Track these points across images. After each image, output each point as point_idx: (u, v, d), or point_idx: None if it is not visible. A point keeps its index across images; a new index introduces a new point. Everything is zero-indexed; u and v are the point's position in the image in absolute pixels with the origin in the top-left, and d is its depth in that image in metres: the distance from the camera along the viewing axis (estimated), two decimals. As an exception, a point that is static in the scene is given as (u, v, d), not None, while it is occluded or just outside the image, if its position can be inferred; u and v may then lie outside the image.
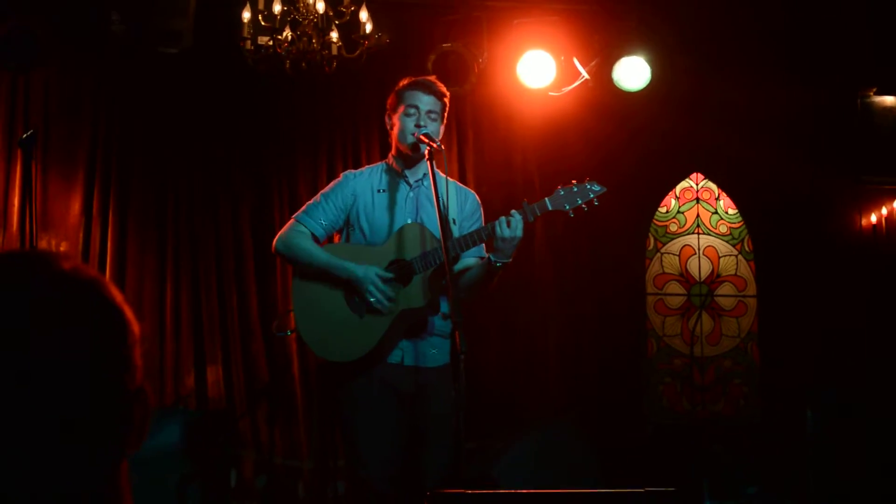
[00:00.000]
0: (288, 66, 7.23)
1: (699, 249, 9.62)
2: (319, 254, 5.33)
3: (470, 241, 5.15)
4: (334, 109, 8.77)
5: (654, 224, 9.60)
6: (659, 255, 9.60)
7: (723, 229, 9.63)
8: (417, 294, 5.17)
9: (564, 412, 8.56)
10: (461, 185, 5.82)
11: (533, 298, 8.91)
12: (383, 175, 5.49)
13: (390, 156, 5.54)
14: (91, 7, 7.93)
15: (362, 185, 5.46)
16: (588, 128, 8.79)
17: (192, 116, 8.52)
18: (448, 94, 5.51)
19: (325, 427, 8.13)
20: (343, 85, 8.38)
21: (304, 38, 7.10)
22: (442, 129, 5.42)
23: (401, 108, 5.38)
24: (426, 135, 5.17)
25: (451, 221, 5.30)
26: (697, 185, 9.69)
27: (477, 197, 5.64)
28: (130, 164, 8.43)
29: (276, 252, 5.53)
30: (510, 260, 5.12)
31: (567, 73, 8.44)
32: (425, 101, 5.36)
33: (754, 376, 9.48)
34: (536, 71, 8.37)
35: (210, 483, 7.52)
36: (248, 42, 7.13)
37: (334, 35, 7.15)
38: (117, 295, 1.55)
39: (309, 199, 5.64)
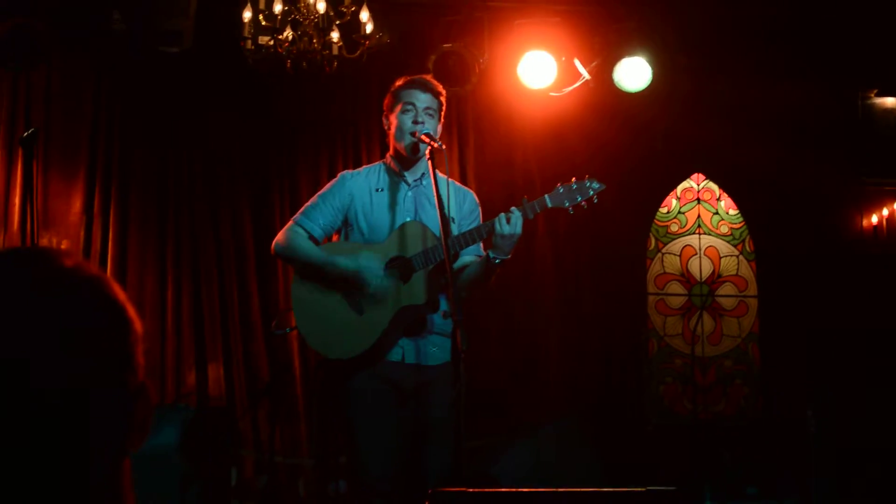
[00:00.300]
0: (289, 65, 7.23)
1: (700, 250, 9.62)
2: (316, 253, 5.32)
3: (469, 238, 5.15)
4: (335, 109, 8.78)
5: (655, 224, 9.60)
6: (660, 255, 9.60)
7: (724, 230, 9.64)
8: (418, 291, 5.17)
9: (565, 412, 8.56)
10: (459, 184, 5.82)
11: (534, 298, 8.92)
12: (382, 175, 5.48)
13: (388, 156, 5.53)
14: (92, 6, 7.93)
15: (360, 185, 5.45)
16: (589, 128, 8.80)
17: (193, 116, 8.53)
18: (444, 92, 5.50)
19: (325, 425, 8.12)
20: (344, 85, 8.39)
21: (305, 38, 7.10)
22: (440, 127, 5.41)
23: (398, 107, 5.37)
24: (427, 134, 5.16)
25: (451, 220, 5.30)
26: (698, 185, 9.69)
27: (475, 196, 5.64)
28: (131, 163, 8.44)
29: (274, 254, 5.53)
30: (509, 257, 5.13)
31: (568, 74, 8.44)
32: (422, 99, 5.35)
33: (755, 376, 9.48)
34: (537, 71, 8.37)
35: (211, 482, 7.53)
36: (249, 42, 7.14)
37: (335, 35, 7.16)
38: (119, 292, 1.55)
39: (308, 200, 5.64)
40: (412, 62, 7.89)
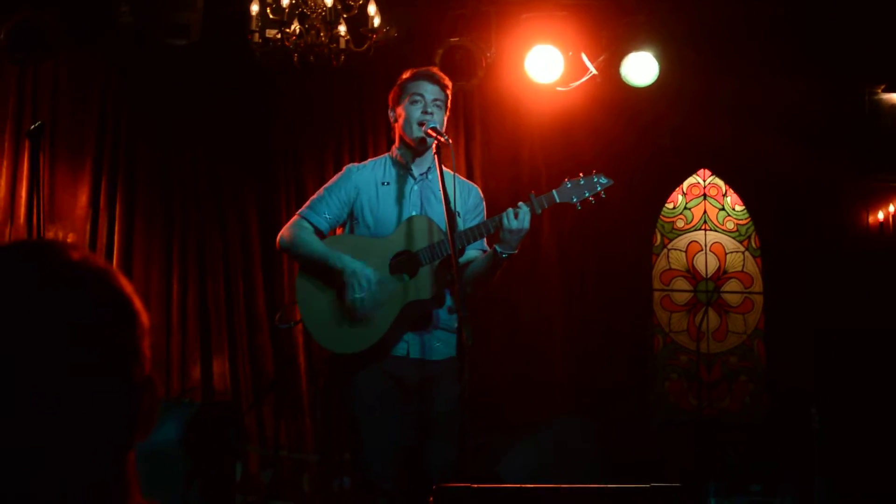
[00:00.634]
0: (296, 59, 7.23)
1: (706, 246, 9.61)
2: (319, 247, 5.31)
3: (476, 233, 5.15)
4: (341, 102, 8.78)
5: (661, 220, 9.59)
6: (666, 251, 9.59)
7: (730, 226, 9.62)
8: (424, 286, 5.16)
9: (569, 408, 8.56)
10: (465, 179, 5.81)
11: (539, 294, 8.92)
12: (388, 168, 5.48)
13: (394, 149, 5.52)
14: (100, -1, 7.95)
15: (366, 178, 5.44)
16: (595, 123, 8.79)
17: (200, 109, 8.53)
18: (451, 84, 5.50)
19: (330, 420, 8.13)
20: (351, 78, 8.38)
21: (313, 32, 7.10)
22: (446, 119, 5.40)
23: (405, 99, 5.36)
24: (434, 128, 5.16)
25: (457, 215, 5.29)
26: (705, 181, 9.68)
27: (480, 191, 5.63)
28: (137, 156, 8.45)
29: (279, 248, 5.52)
30: (516, 251, 5.12)
31: (575, 69, 8.43)
32: (430, 90, 5.35)
33: (760, 373, 9.48)
34: (544, 66, 8.37)
35: (215, 476, 7.53)
36: (256, 35, 7.13)
37: (342, 29, 7.15)
38: (126, 285, 1.55)
39: (314, 193, 5.63)
40: (419, 56, 7.88)
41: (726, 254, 9.61)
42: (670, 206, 9.63)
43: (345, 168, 5.59)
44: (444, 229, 4.99)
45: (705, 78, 8.74)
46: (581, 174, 5.25)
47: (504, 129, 8.98)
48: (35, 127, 5.98)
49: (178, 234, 8.44)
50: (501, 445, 7.77)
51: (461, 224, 5.30)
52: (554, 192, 5.22)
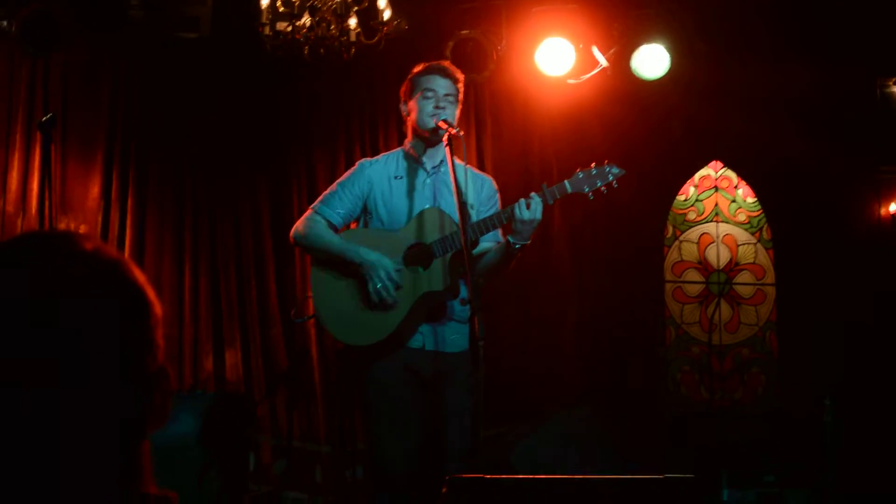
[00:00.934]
0: (306, 52, 7.23)
1: (718, 237, 9.60)
2: (334, 240, 5.34)
3: (489, 224, 5.16)
4: (352, 95, 8.78)
5: (673, 212, 9.58)
6: (678, 242, 9.58)
7: (741, 218, 9.61)
8: (438, 277, 5.18)
9: (582, 400, 8.56)
10: (478, 171, 5.82)
11: (551, 286, 8.91)
12: (400, 162, 5.49)
13: (406, 142, 5.54)
14: (111, -8, 7.96)
15: (378, 172, 5.46)
16: (606, 116, 8.78)
17: (210, 101, 8.54)
18: (462, 77, 5.51)
19: (343, 411, 8.14)
20: (361, 71, 8.38)
21: (323, 24, 7.09)
22: (458, 112, 5.42)
23: (418, 93, 5.38)
24: (445, 120, 5.18)
25: (469, 207, 5.30)
26: (716, 173, 9.67)
27: (494, 182, 5.64)
28: (149, 149, 8.47)
29: (293, 242, 5.54)
30: (529, 242, 5.13)
31: (586, 61, 8.42)
32: (442, 85, 5.37)
33: (773, 365, 9.46)
34: (555, 58, 8.35)
35: (229, 467, 7.55)
36: (267, 28, 7.13)
37: (353, 21, 7.15)
38: (139, 275, 1.56)
39: (326, 188, 5.65)
40: (430, 49, 7.88)
41: (738, 245, 9.60)
42: (682, 197, 9.61)
43: (357, 163, 5.61)
44: (456, 221, 4.99)
45: (716, 70, 8.72)
46: (593, 164, 5.25)
47: (515, 122, 8.98)
48: (46, 119, 6.00)
49: (190, 226, 8.46)
50: (515, 436, 7.77)
51: (475, 215, 5.30)
52: (566, 182, 5.22)
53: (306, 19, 7.07)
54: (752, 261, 9.58)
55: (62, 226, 7.94)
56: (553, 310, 8.93)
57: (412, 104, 5.41)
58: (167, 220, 8.43)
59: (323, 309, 5.36)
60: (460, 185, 4.93)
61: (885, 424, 8.41)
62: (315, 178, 8.57)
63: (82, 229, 8.12)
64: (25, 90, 8.24)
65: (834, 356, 8.69)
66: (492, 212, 5.36)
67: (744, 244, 9.59)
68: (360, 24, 7.21)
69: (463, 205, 4.91)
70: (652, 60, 8.39)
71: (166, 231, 8.42)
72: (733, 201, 9.63)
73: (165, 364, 1.57)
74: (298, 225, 5.47)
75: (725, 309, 9.49)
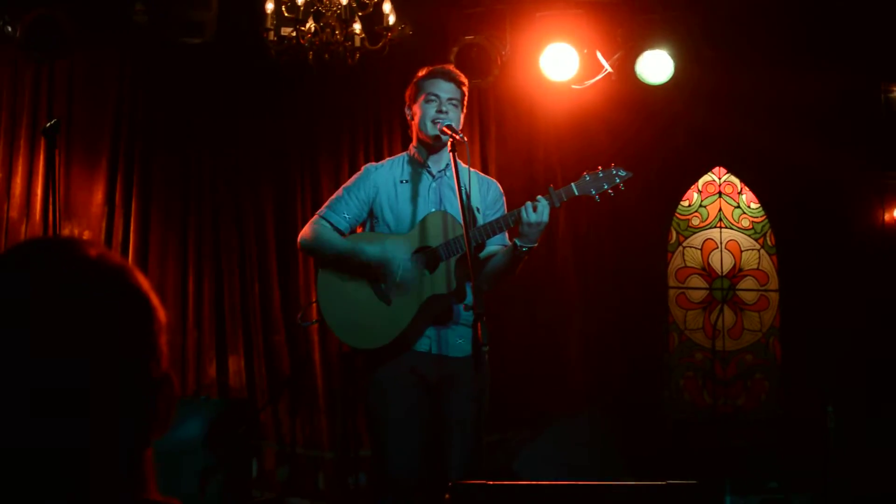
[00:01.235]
0: (311, 57, 7.23)
1: (721, 243, 9.59)
2: (343, 243, 5.35)
3: (495, 227, 5.17)
4: (357, 100, 8.79)
5: (677, 218, 9.58)
6: (681, 248, 9.58)
7: (745, 223, 9.61)
8: (443, 281, 5.18)
9: (586, 406, 8.55)
10: (483, 174, 5.82)
11: (555, 292, 8.91)
12: (405, 166, 5.50)
13: (411, 147, 5.54)
14: (115, -3, 7.96)
15: (384, 177, 5.47)
16: (611, 121, 8.78)
17: (215, 107, 8.55)
18: (467, 82, 5.52)
19: (346, 417, 8.14)
20: (366, 76, 8.39)
21: (328, 30, 7.09)
22: (462, 117, 5.42)
23: (421, 97, 5.39)
24: (449, 126, 5.18)
25: (475, 210, 5.31)
26: (720, 179, 9.67)
27: (499, 186, 5.65)
28: (153, 154, 8.48)
29: (300, 248, 5.55)
30: (535, 245, 5.13)
31: (590, 67, 8.42)
32: (445, 89, 5.37)
33: (776, 371, 9.45)
34: (559, 64, 8.35)
35: (232, 473, 7.55)
36: (271, 33, 7.13)
37: (357, 26, 7.15)
38: (143, 281, 1.56)
39: (331, 192, 5.65)
40: (434, 54, 7.87)
41: (742, 251, 9.59)
42: (686, 203, 9.61)
43: (363, 168, 5.61)
44: (461, 224, 4.99)
45: (720, 76, 8.71)
46: (600, 167, 5.25)
47: (519, 128, 8.98)
48: (51, 124, 6.00)
49: (194, 231, 8.47)
50: (518, 441, 7.77)
51: (481, 219, 5.32)
52: (573, 184, 5.22)
53: (311, 25, 7.07)
54: (755, 267, 9.58)
55: (66, 231, 7.94)
56: (557, 315, 8.93)
57: (416, 108, 5.41)
58: (171, 225, 8.44)
59: (329, 313, 5.36)
60: (464, 188, 4.93)
61: (889, 431, 8.40)
62: (319, 184, 8.57)
63: (86, 235, 8.13)
64: (30, 96, 8.26)
65: (837, 362, 8.68)
66: (498, 215, 5.36)
67: (747, 250, 9.59)
68: (364, 29, 7.20)
69: (468, 208, 4.91)
70: (656, 66, 8.38)
71: (170, 236, 8.43)
72: (737, 207, 9.62)
73: (169, 370, 1.57)
74: (305, 231, 5.47)
75: (729, 315, 9.49)
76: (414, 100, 5.44)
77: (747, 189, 9.61)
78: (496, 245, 5.39)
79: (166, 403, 1.55)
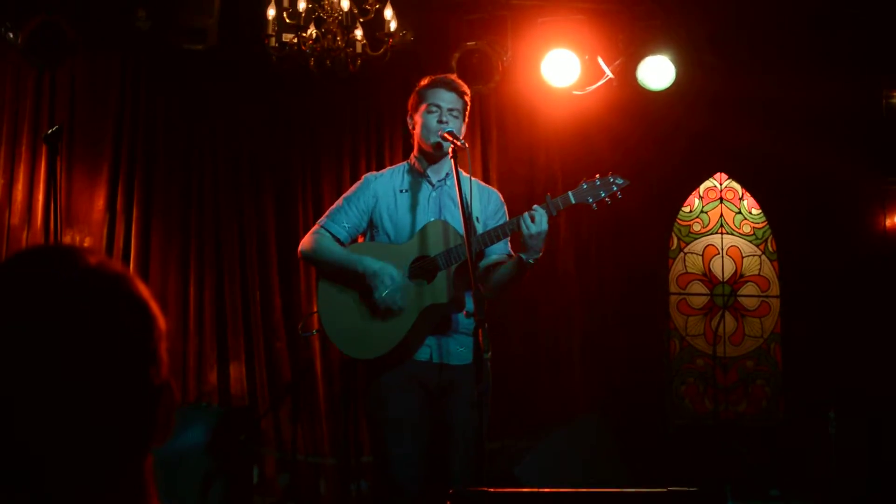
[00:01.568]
0: (312, 63, 7.23)
1: (722, 249, 9.60)
2: (341, 252, 5.35)
3: (493, 236, 5.16)
4: (358, 107, 8.79)
5: (678, 223, 9.58)
6: (682, 254, 9.58)
7: (746, 229, 9.61)
8: (442, 290, 5.17)
9: (587, 412, 8.55)
10: (484, 183, 5.82)
11: (556, 298, 8.91)
12: (405, 175, 5.49)
13: (412, 156, 5.54)
14: (117, 4, 7.95)
15: (384, 186, 5.46)
16: (612, 127, 8.78)
17: (217, 114, 8.56)
18: (469, 91, 5.51)
19: (347, 424, 8.14)
20: (367, 83, 8.38)
21: (329, 36, 7.10)
22: (464, 127, 5.42)
23: (423, 107, 5.38)
24: (450, 132, 5.17)
25: (475, 220, 5.30)
26: (721, 184, 9.67)
27: (500, 195, 5.64)
28: (154, 161, 8.47)
29: (300, 257, 5.55)
30: (541, 254, 5.12)
31: (591, 72, 8.42)
32: (447, 99, 5.36)
33: (777, 377, 9.45)
34: (561, 70, 8.35)
35: (233, 480, 7.54)
36: (273, 39, 7.13)
37: (359, 33, 7.15)
38: (143, 290, 1.56)
39: (333, 198, 5.66)
40: (435, 60, 7.89)
41: (743, 257, 9.59)
42: (687, 209, 9.62)
43: (363, 177, 5.61)
44: (461, 233, 4.99)
45: (722, 81, 8.71)
46: (597, 175, 5.24)
47: (520, 133, 8.98)
48: (52, 131, 5.99)
49: (195, 238, 8.47)
50: (519, 448, 7.77)
51: (481, 228, 5.31)
52: (570, 193, 5.21)
53: (312, 31, 7.08)
54: (756, 272, 9.58)
55: (67, 238, 7.94)
56: (558, 323, 8.93)
57: (417, 118, 5.41)
58: (173, 232, 8.43)
59: (329, 323, 5.36)
60: (465, 198, 4.93)
61: (890, 437, 8.39)
62: (321, 191, 8.58)
63: (87, 242, 8.13)
64: (31, 102, 8.26)
65: (839, 368, 8.68)
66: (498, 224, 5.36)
67: (749, 256, 9.59)
68: (365, 35, 7.20)
69: (469, 219, 4.91)
70: (657, 72, 8.39)
71: (172, 243, 8.42)
72: (738, 213, 9.63)
73: (170, 378, 1.57)
74: (305, 240, 5.47)
75: (730, 321, 9.49)
76: (415, 109, 5.43)
77: (748, 195, 9.62)
78: (497, 254, 5.39)
79: (166, 411, 1.55)
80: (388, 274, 5.17)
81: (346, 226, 5.41)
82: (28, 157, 8.20)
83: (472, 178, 5.31)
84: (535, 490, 3.87)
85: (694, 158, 9.30)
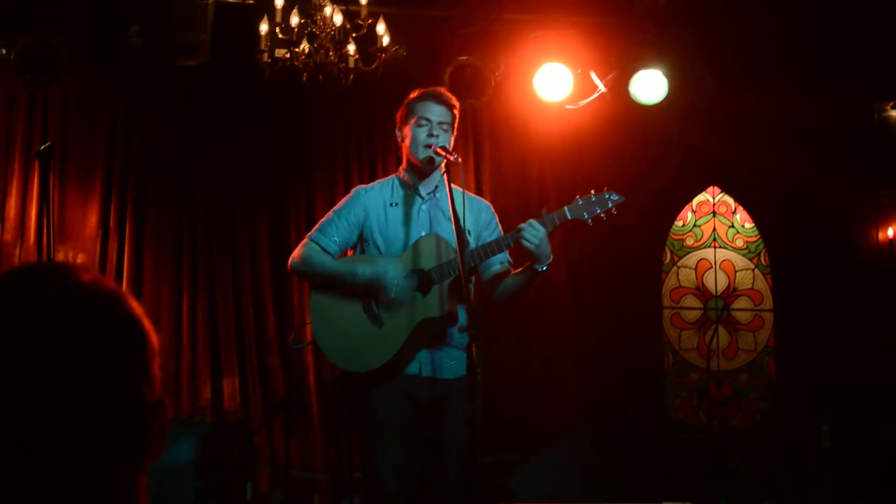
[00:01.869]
0: (305, 78, 7.23)
1: (716, 263, 9.61)
2: (334, 264, 5.32)
3: (489, 250, 5.14)
4: (351, 122, 8.80)
5: (671, 237, 9.60)
6: (675, 268, 9.59)
7: (739, 243, 9.62)
8: (435, 304, 5.16)
9: (581, 426, 8.55)
10: (475, 196, 5.81)
11: (550, 313, 8.91)
12: (396, 189, 5.47)
13: (401, 169, 5.51)
14: (110, 21, 7.96)
15: (374, 199, 5.44)
16: (605, 141, 8.79)
17: (210, 129, 8.56)
18: (458, 105, 5.49)
19: (340, 439, 8.12)
20: (360, 98, 8.39)
21: (322, 51, 7.10)
22: (453, 140, 5.39)
23: (412, 120, 5.35)
24: (443, 147, 5.16)
25: (467, 233, 5.28)
26: (714, 198, 9.68)
27: (491, 206, 5.62)
28: (147, 177, 8.48)
29: (291, 271, 5.51)
30: (552, 258, 5.12)
31: (584, 87, 8.43)
32: (436, 112, 5.34)
33: (771, 390, 9.46)
34: (553, 84, 8.36)
35: (226, 496, 7.53)
36: (266, 55, 7.13)
37: (351, 48, 7.15)
38: (136, 307, 1.56)
39: (324, 214, 5.63)
40: (428, 75, 7.88)
41: (736, 271, 9.61)
42: (680, 223, 9.63)
43: (353, 190, 5.58)
44: (454, 247, 4.98)
45: (714, 95, 8.73)
46: (592, 191, 5.23)
47: (513, 148, 9.00)
48: (45, 147, 5.98)
49: (188, 254, 8.47)
50: (515, 462, 7.77)
51: (473, 241, 5.29)
52: (566, 208, 5.20)
53: (305, 46, 7.07)
54: (750, 286, 9.59)
55: (60, 255, 7.93)
56: (552, 337, 8.94)
57: (406, 130, 5.38)
58: (165, 248, 8.43)
59: (321, 335, 5.34)
60: (458, 210, 4.92)
61: (883, 450, 8.40)
62: (313, 205, 8.58)
63: (80, 258, 8.13)
64: (24, 119, 8.26)
65: (832, 382, 8.68)
66: (494, 235, 5.35)
67: (742, 270, 9.61)
68: (358, 50, 7.21)
69: (461, 232, 4.90)
70: (650, 86, 8.40)
71: (164, 259, 8.42)
72: (731, 227, 9.64)
73: (163, 395, 1.57)
74: (296, 254, 5.45)
75: (723, 335, 9.49)
76: (405, 122, 5.41)
77: (741, 208, 9.63)
78: (499, 264, 5.37)
79: (160, 428, 1.55)
80: (389, 275, 5.16)
81: (337, 239, 5.38)
82: (21, 174, 8.20)
83: (464, 191, 5.29)
84: (530, 505, 3.88)
85: (687, 172, 9.31)
